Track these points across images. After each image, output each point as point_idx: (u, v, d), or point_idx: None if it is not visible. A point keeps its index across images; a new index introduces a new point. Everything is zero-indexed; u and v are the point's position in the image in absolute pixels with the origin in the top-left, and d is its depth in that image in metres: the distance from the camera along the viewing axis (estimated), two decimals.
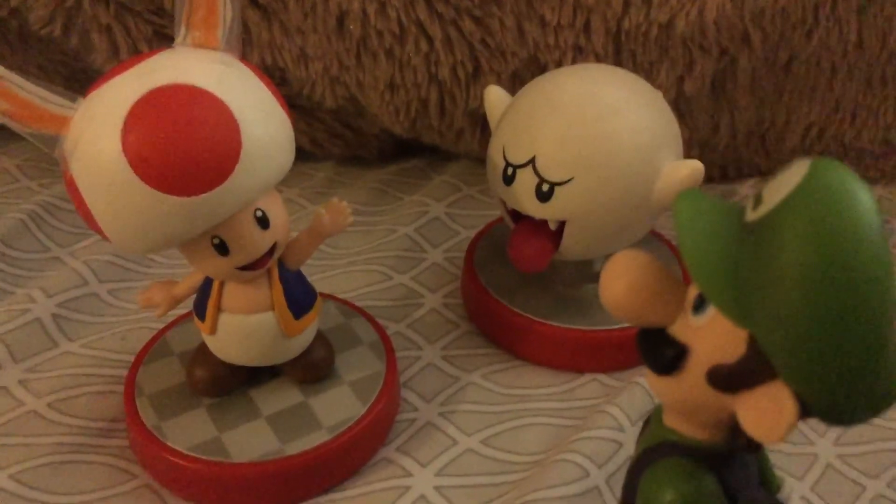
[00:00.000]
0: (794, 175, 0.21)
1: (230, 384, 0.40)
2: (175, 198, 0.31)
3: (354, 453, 0.39)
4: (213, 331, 0.37)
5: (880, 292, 0.20)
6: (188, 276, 0.38)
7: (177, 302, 0.38)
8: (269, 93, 0.34)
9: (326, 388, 0.40)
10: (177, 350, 0.42)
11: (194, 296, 0.38)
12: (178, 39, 0.33)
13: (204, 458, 0.37)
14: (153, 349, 0.42)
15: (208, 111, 0.31)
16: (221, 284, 0.37)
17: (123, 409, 0.39)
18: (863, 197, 0.20)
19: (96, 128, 0.30)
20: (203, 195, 0.31)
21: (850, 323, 0.20)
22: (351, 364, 0.42)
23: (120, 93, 0.31)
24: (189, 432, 0.38)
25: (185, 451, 0.37)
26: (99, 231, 0.32)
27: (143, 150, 0.30)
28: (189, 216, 0.31)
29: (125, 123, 0.30)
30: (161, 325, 0.44)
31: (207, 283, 0.37)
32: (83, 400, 0.42)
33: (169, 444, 0.37)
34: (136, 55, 0.33)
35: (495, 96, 0.45)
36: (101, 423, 0.41)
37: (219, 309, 0.37)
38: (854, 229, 0.20)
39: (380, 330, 0.44)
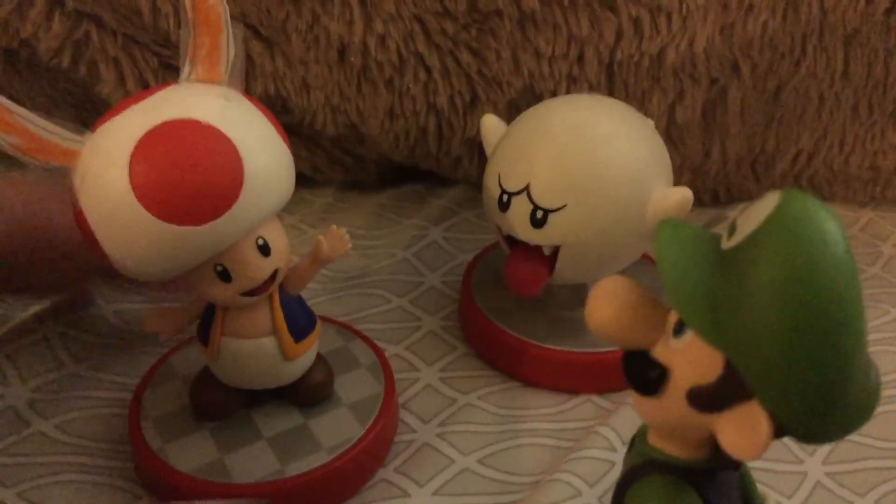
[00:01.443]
0: (765, 206, 0.22)
1: (232, 407, 0.41)
2: (180, 228, 0.32)
3: (353, 474, 0.40)
4: (216, 355, 0.38)
5: (848, 316, 0.21)
6: (191, 302, 0.38)
7: (180, 324, 0.39)
8: (271, 124, 0.35)
9: (326, 410, 0.41)
10: (181, 373, 0.43)
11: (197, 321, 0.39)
12: (184, 76, 0.35)
13: (206, 479, 0.38)
14: (158, 372, 0.43)
15: (211, 144, 0.32)
16: (224, 310, 0.37)
17: (129, 430, 0.40)
18: (830, 226, 0.21)
19: (104, 161, 0.32)
20: (207, 225, 0.32)
21: (819, 345, 0.21)
22: (350, 386, 0.43)
23: (126, 128, 0.32)
24: (192, 454, 0.39)
25: (188, 473, 0.38)
26: (105, 260, 0.33)
27: (149, 183, 0.31)
28: (193, 245, 0.32)
29: (132, 157, 0.31)
30: (166, 349, 0.45)
31: (210, 308, 0.38)
32: (90, 422, 0.43)
33: (172, 466, 0.38)
34: (143, 90, 0.34)
35: (491, 125, 0.46)
36: (107, 445, 0.42)
37: (221, 334, 0.38)
38: (822, 256, 0.21)
39: (378, 352, 0.45)
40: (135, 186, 0.31)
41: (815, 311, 0.21)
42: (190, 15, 0.34)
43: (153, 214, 0.31)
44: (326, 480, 0.39)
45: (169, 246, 0.32)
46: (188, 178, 0.31)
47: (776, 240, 0.21)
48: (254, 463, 0.38)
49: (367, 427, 0.40)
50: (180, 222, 0.32)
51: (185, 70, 0.35)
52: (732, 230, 0.23)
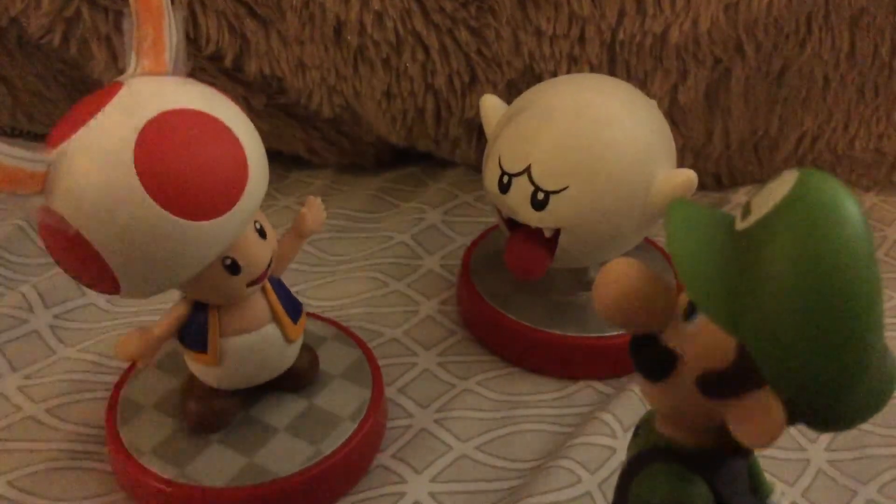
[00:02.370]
0: (782, 185, 0.21)
1: (233, 413, 0.39)
2: (202, 223, 0.30)
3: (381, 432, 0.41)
4: (219, 360, 0.36)
5: (866, 302, 0.20)
6: (167, 314, 0.36)
7: (159, 344, 0.35)
8: (236, 105, 0.34)
9: (322, 387, 0.41)
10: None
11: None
12: (129, 71, 0.33)
13: (249, 485, 0.36)
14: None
15: (213, 132, 0.31)
16: (218, 312, 0.36)
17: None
18: (850, 207, 0.21)
19: (102, 172, 0.29)
20: (225, 215, 0.31)
21: (835, 333, 0.20)
22: (330, 361, 0.42)
23: (114, 131, 0.30)
24: (217, 468, 0.37)
25: (224, 487, 0.36)
26: (102, 284, 0.31)
27: (165, 182, 0.30)
28: (213, 239, 0.31)
29: (136, 159, 0.29)
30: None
31: (197, 315, 0.36)
32: (81, 406, 0.43)
33: (205, 486, 0.36)
34: (90, 95, 0.32)
35: (491, 105, 0.45)
36: (98, 430, 0.41)
37: (221, 336, 0.36)
38: (841, 239, 0.20)
39: (333, 322, 0.45)
40: (148, 188, 0.29)
41: (834, 296, 0.20)
42: (132, 4, 0.32)
43: (174, 214, 0.30)
44: (365, 443, 0.39)
45: (190, 244, 0.31)
46: (203, 170, 0.30)
47: (794, 221, 0.21)
48: (287, 454, 0.38)
49: (372, 389, 0.41)
50: (202, 217, 0.30)
51: (132, 65, 0.33)
52: (747, 211, 0.22)
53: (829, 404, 0.21)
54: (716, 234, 0.23)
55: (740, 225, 0.22)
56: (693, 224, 0.23)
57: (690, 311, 0.24)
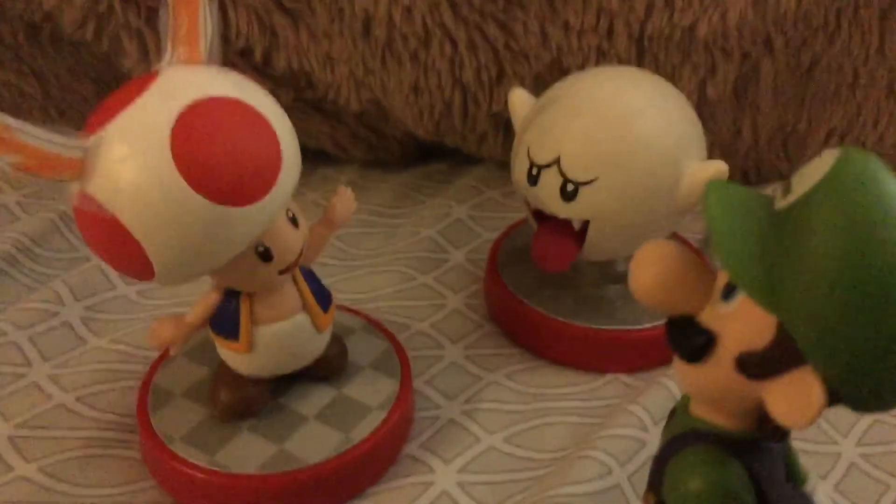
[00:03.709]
0: (823, 164, 0.21)
1: (263, 401, 0.39)
2: (237, 209, 0.31)
3: (409, 424, 0.42)
4: (250, 348, 0.37)
5: None
6: (200, 301, 0.36)
7: (192, 331, 0.36)
8: (269, 94, 0.34)
9: (351, 377, 0.41)
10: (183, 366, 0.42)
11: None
12: (165, 60, 0.33)
13: (281, 471, 0.36)
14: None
15: (249, 119, 0.31)
16: (249, 300, 0.36)
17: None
18: (891, 185, 0.20)
19: (138, 158, 0.30)
20: (260, 201, 0.31)
21: (878, 310, 0.20)
22: (359, 352, 0.43)
23: (151, 117, 0.30)
24: (248, 455, 0.37)
25: (254, 474, 0.36)
26: (137, 270, 0.32)
27: (201, 168, 0.30)
28: (247, 225, 0.31)
29: (173, 145, 0.30)
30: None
31: (229, 303, 0.36)
32: (111, 395, 0.43)
33: (234, 473, 0.36)
34: (129, 81, 0.32)
35: (519, 99, 0.45)
36: (129, 419, 0.42)
37: (253, 324, 0.36)
38: (883, 217, 0.20)
39: (361, 314, 0.45)
40: (185, 174, 0.30)
41: (875, 274, 0.20)
42: None
43: (210, 199, 0.30)
44: (395, 432, 0.39)
45: (226, 230, 0.31)
46: (239, 156, 0.31)
47: (834, 199, 0.21)
48: (317, 441, 0.38)
49: (401, 379, 0.41)
50: (237, 203, 0.31)
51: (168, 53, 0.33)
52: (787, 190, 0.22)
53: (870, 383, 0.21)
54: (755, 213, 0.23)
55: (780, 203, 0.22)
56: (732, 203, 0.23)
57: (728, 292, 0.23)
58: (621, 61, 0.51)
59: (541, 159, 0.41)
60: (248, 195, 0.31)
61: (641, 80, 0.42)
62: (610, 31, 0.50)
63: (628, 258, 0.44)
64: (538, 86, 0.52)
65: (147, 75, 0.32)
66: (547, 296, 0.47)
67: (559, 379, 0.45)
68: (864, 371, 0.21)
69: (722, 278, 0.24)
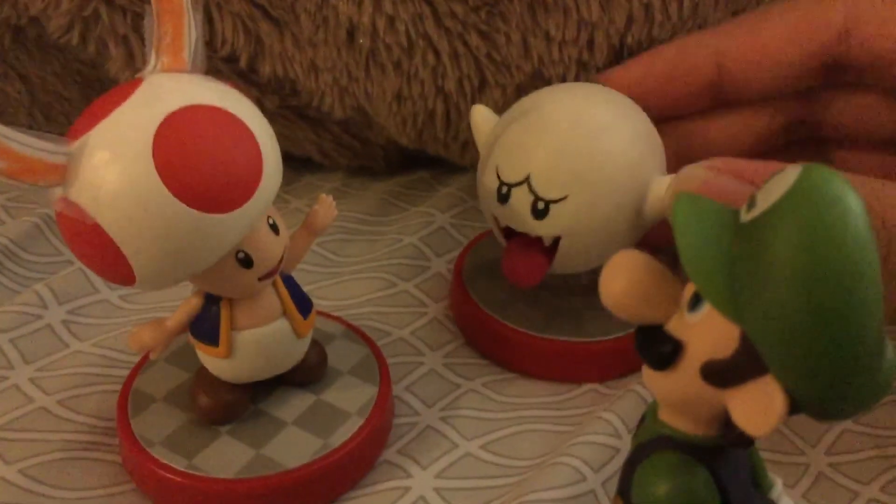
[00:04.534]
0: (786, 178, 0.22)
1: (243, 405, 0.40)
2: (217, 216, 0.31)
3: (389, 427, 0.42)
4: (230, 353, 0.37)
5: (866, 290, 0.21)
6: (180, 307, 0.37)
7: (172, 336, 0.36)
8: (251, 102, 0.34)
9: (330, 383, 0.42)
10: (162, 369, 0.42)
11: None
12: (149, 67, 0.33)
13: (258, 476, 0.37)
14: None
15: (230, 127, 0.32)
16: (230, 305, 0.37)
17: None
18: (851, 199, 0.21)
19: (121, 164, 0.30)
20: (241, 208, 0.32)
21: (836, 320, 0.21)
22: (337, 358, 0.43)
23: (134, 123, 0.31)
24: (226, 460, 0.37)
25: (232, 478, 0.37)
26: (118, 275, 0.32)
27: (182, 175, 0.30)
28: (227, 232, 0.32)
29: (155, 151, 0.30)
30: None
31: (209, 308, 0.37)
32: (92, 398, 0.43)
33: (213, 476, 0.37)
34: (112, 88, 0.33)
35: (481, 117, 0.46)
36: (110, 422, 0.42)
37: (232, 329, 0.37)
38: (842, 229, 0.21)
39: (339, 319, 0.46)
40: (165, 180, 0.30)
41: (832, 289, 0.21)
42: (153, 2, 0.33)
43: (189, 206, 0.30)
44: (373, 438, 0.40)
45: (204, 237, 0.31)
46: (219, 163, 0.31)
47: (796, 213, 0.21)
48: (296, 446, 0.38)
49: (380, 386, 0.41)
50: (216, 210, 0.31)
51: (151, 61, 0.33)
52: (752, 204, 0.23)
53: (830, 392, 0.22)
54: (721, 226, 0.23)
55: (745, 217, 0.23)
56: (698, 216, 0.23)
57: (695, 302, 0.24)
58: (601, 72, 0.52)
59: (510, 178, 0.42)
60: (228, 202, 0.31)
61: (603, 96, 0.43)
62: (590, 43, 0.51)
63: (591, 270, 0.45)
64: (520, 96, 0.53)
65: (131, 82, 0.33)
66: (514, 309, 0.47)
67: (536, 388, 0.46)
68: (824, 380, 0.21)
69: (689, 289, 0.25)
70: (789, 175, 0.22)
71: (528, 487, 0.38)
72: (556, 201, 0.41)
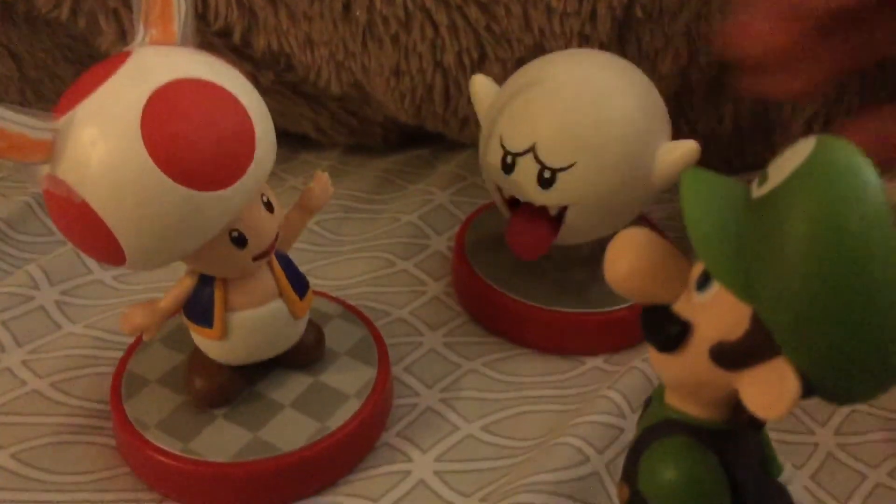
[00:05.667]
0: (799, 152, 0.21)
1: (238, 388, 0.39)
2: (208, 193, 0.30)
3: (387, 411, 0.41)
4: (224, 335, 0.36)
5: (884, 268, 0.20)
6: (173, 287, 0.36)
7: (165, 317, 0.35)
8: (244, 77, 0.33)
9: (328, 364, 0.41)
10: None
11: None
12: (138, 40, 0.32)
13: (255, 459, 0.36)
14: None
15: (221, 102, 0.31)
16: (224, 286, 0.36)
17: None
18: (868, 173, 0.20)
19: (108, 140, 0.29)
20: (233, 186, 0.31)
21: (851, 301, 0.20)
22: (336, 338, 0.42)
23: (122, 98, 0.30)
24: (223, 443, 0.37)
25: (228, 462, 0.36)
26: (108, 255, 0.31)
27: (172, 151, 0.29)
28: (219, 210, 0.31)
29: (143, 127, 0.29)
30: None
31: (203, 289, 0.36)
32: (85, 381, 0.42)
33: (210, 460, 0.36)
34: (100, 62, 0.32)
35: (482, 87, 0.45)
36: (103, 405, 0.41)
37: (227, 310, 0.36)
38: (858, 205, 0.20)
39: (340, 301, 0.45)
40: (155, 157, 0.29)
41: (849, 265, 0.20)
42: None
43: (180, 184, 0.29)
44: (372, 420, 0.39)
45: (196, 215, 0.30)
46: (210, 139, 0.30)
47: (810, 188, 0.20)
48: (293, 429, 0.37)
49: (378, 367, 0.40)
50: (208, 187, 0.30)
51: (139, 34, 0.32)
52: (764, 178, 0.22)
53: (843, 375, 0.21)
54: (730, 202, 0.22)
55: (757, 192, 0.22)
56: (707, 192, 0.22)
57: (703, 281, 0.23)
58: (603, 45, 0.51)
59: (515, 147, 0.41)
60: (220, 179, 0.30)
61: (606, 63, 0.42)
62: (593, 15, 0.50)
63: (593, 240, 0.44)
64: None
65: (118, 55, 0.31)
66: (517, 281, 0.46)
67: (537, 367, 0.45)
68: (839, 362, 0.21)
69: (697, 268, 0.24)
70: (803, 148, 0.21)
71: (530, 469, 0.37)
72: (562, 169, 0.40)
